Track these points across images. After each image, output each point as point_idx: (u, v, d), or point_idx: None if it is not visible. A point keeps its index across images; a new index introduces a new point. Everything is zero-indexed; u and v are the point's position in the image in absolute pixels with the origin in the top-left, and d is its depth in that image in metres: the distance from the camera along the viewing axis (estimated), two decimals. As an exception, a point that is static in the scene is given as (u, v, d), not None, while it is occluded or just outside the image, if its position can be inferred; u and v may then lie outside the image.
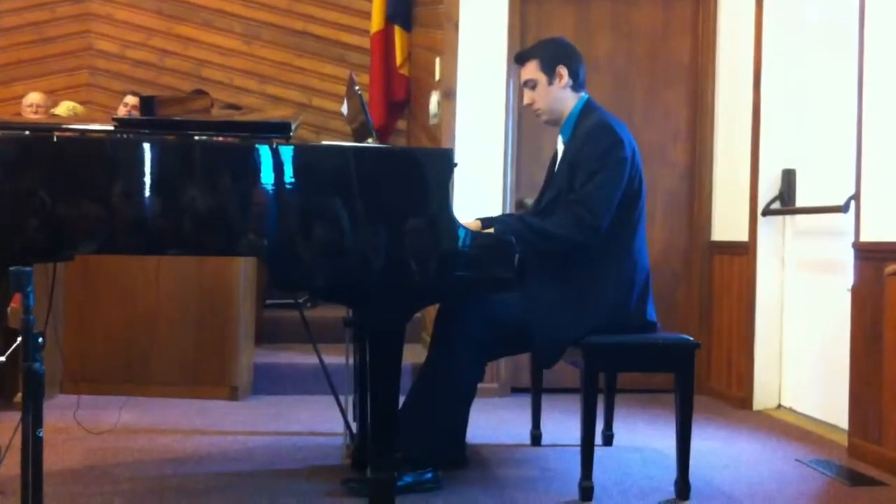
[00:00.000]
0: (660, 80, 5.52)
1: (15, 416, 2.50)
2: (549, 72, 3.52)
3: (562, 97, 3.54)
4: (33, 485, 2.17)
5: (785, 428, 4.55)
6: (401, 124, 7.23)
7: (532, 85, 3.56)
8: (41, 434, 2.17)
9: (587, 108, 3.54)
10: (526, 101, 3.62)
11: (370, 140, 3.28)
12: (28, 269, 2.17)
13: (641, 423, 4.56)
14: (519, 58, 3.65)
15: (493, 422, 4.51)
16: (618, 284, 3.40)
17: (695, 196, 5.51)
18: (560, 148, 3.60)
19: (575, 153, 3.44)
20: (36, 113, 6.31)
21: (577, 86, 3.55)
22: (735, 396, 5.09)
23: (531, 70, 3.55)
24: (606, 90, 5.35)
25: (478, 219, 3.44)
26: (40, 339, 2.17)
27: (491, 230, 3.27)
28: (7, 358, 2.31)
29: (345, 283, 2.91)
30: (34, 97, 6.46)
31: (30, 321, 2.17)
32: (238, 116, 4.42)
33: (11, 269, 2.16)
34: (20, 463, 2.17)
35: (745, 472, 3.70)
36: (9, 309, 3.33)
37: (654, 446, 4.06)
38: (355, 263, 2.86)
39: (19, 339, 2.17)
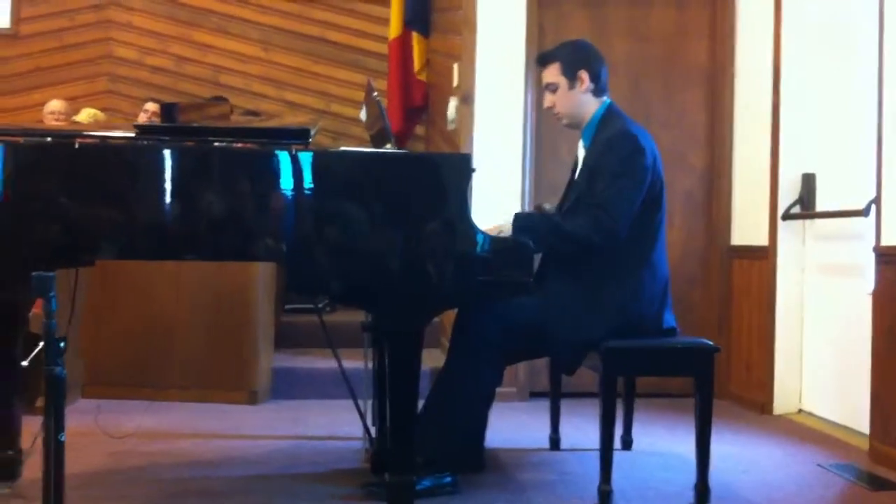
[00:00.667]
0: (677, 83, 5.51)
1: (37, 421, 2.52)
2: (571, 76, 3.51)
3: (583, 101, 3.53)
4: (55, 488, 2.18)
5: (805, 432, 4.53)
6: (419, 130, 7.24)
7: (553, 88, 3.55)
8: (63, 438, 2.19)
9: (609, 114, 3.52)
10: (546, 104, 3.61)
11: (388, 146, 3.29)
12: (50, 274, 2.18)
13: (660, 427, 4.55)
14: (540, 59, 3.64)
15: (512, 426, 4.51)
16: (636, 290, 3.39)
17: (713, 199, 5.49)
18: (581, 153, 3.60)
19: (596, 159, 3.43)
20: (57, 120, 6.36)
21: (598, 90, 3.54)
22: (755, 401, 5.07)
23: (552, 73, 3.54)
24: (623, 93, 5.32)
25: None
26: (62, 344, 2.19)
27: (509, 222, 3.27)
28: (29, 363, 2.33)
29: (364, 287, 2.92)
30: (55, 105, 6.51)
31: (52, 326, 2.19)
32: (257, 123, 4.44)
33: (34, 274, 2.18)
34: (42, 467, 2.19)
35: (765, 477, 3.68)
36: (31, 314, 3.37)
37: (674, 451, 4.05)
38: (374, 268, 2.87)
39: (41, 343, 2.19)
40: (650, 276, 3.42)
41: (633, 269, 3.40)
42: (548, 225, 3.34)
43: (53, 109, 6.46)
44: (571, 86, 3.52)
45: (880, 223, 3.96)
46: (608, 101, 3.57)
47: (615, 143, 3.40)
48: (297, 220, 2.88)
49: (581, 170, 3.54)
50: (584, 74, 3.51)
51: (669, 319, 3.49)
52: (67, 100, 6.91)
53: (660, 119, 5.44)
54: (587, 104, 3.54)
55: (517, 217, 3.37)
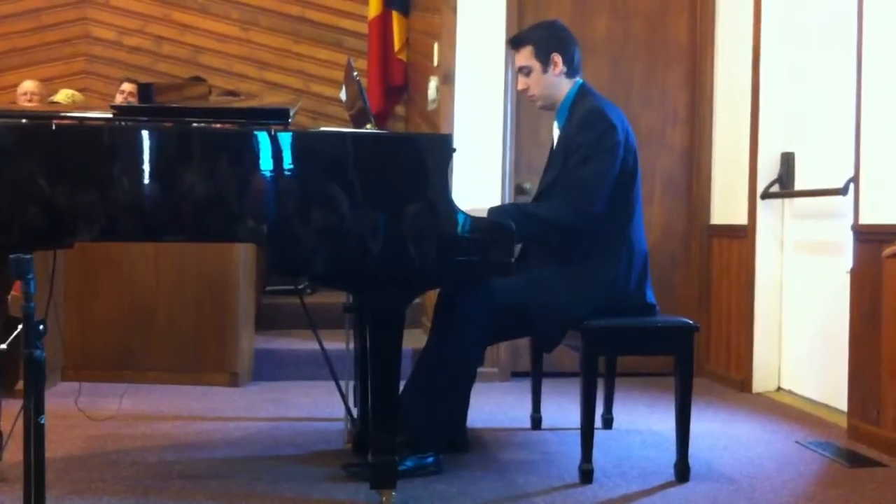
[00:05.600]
0: (658, 61, 5.51)
1: (16, 404, 2.51)
2: (544, 59, 3.51)
3: (556, 84, 3.54)
4: (36, 471, 2.17)
5: (784, 410, 4.57)
6: (399, 110, 7.22)
7: (527, 71, 3.55)
8: (43, 421, 2.18)
9: (581, 94, 3.54)
10: (520, 86, 3.62)
11: (369, 126, 3.27)
12: (28, 256, 2.16)
13: (641, 406, 4.58)
14: (513, 42, 3.64)
15: (494, 406, 4.52)
16: (616, 266, 3.41)
17: (693, 178, 5.51)
18: (556, 134, 3.61)
19: (569, 138, 3.45)
20: (31, 101, 6.29)
21: (571, 72, 3.55)
22: (734, 379, 5.11)
23: (526, 56, 3.54)
24: (604, 72, 5.35)
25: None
26: (41, 327, 2.17)
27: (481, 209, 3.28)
28: (8, 346, 2.32)
29: (344, 268, 2.91)
30: (29, 85, 6.44)
31: (31, 308, 2.17)
32: (236, 103, 4.41)
33: (12, 256, 2.16)
34: (23, 450, 2.18)
35: (744, 454, 3.71)
36: (9, 297, 3.34)
37: (654, 429, 4.08)
38: (355, 249, 2.87)
39: (20, 326, 2.17)
40: (629, 251, 3.44)
41: (612, 245, 3.42)
42: (523, 214, 3.34)
43: (27, 90, 6.39)
44: (545, 69, 3.52)
45: (858, 202, 3.98)
46: (580, 81, 3.58)
47: (587, 121, 3.41)
48: (277, 201, 2.86)
49: (556, 150, 3.56)
50: (557, 57, 3.51)
51: (650, 295, 3.51)
52: (45, 81, 6.84)
53: (641, 98, 5.45)
54: (561, 86, 3.55)
55: (491, 212, 3.36)
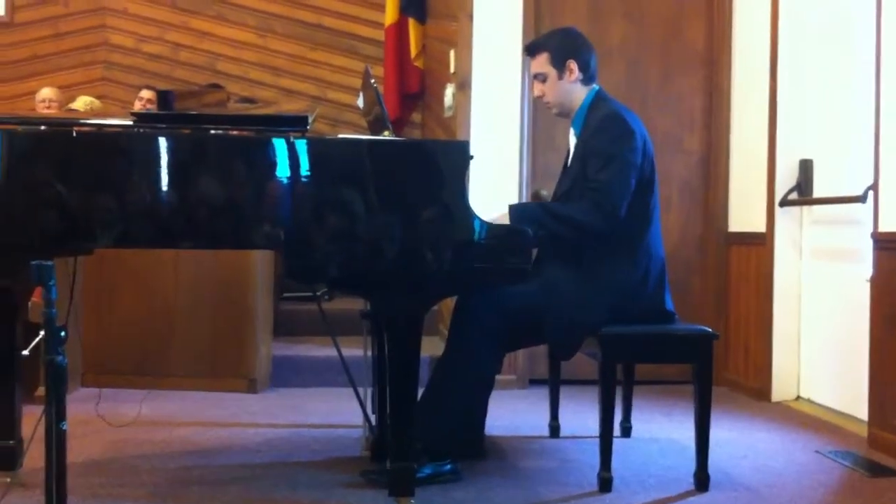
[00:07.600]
0: (674, 67, 5.50)
1: (37, 410, 2.52)
2: (560, 66, 3.51)
3: (572, 90, 3.54)
4: (57, 477, 2.18)
5: (804, 419, 4.54)
6: (416, 116, 7.24)
7: (542, 78, 3.55)
8: (65, 427, 2.19)
9: (597, 100, 3.53)
10: (536, 93, 3.62)
11: (386, 133, 3.28)
12: (50, 262, 2.18)
13: (659, 414, 4.56)
14: (529, 49, 3.64)
15: (512, 413, 4.51)
16: (633, 272, 3.40)
17: (710, 186, 5.49)
18: (572, 140, 3.60)
19: (586, 143, 3.45)
20: (49, 108, 6.33)
21: (587, 78, 3.54)
22: (753, 387, 5.08)
23: (541, 63, 3.54)
24: (620, 78, 5.34)
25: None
26: (62, 333, 2.18)
27: (505, 213, 3.28)
28: (29, 352, 2.33)
29: (362, 274, 2.91)
30: (47, 92, 6.48)
31: (52, 315, 2.18)
32: (254, 110, 4.43)
33: (33, 263, 2.17)
34: (44, 455, 2.19)
35: (764, 463, 3.69)
36: (30, 303, 3.36)
37: (673, 437, 4.06)
38: (372, 255, 2.87)
39: (41, 332, 2.18)
40: (646, 258, 3.43)
41: (629, 252, 3.41)
42: (546, 212, 3.35)
43: (45, 97, 6.43)
44: (560, 75, 3.52)
45: (878, 209, 3.96)
46: (597, 87, 3.58)
47: (605, 126, 3.41)
48: (294, 208, 2.87)
49: (573, 155, 3.55)
50: (573, 64, 3.51)
51: (669, 303, 3.49)
52: (63, 88, 6.89)
53: (656, 104, 5.44)
54: (576, 93, 3.54)
55: (512, 208, 3.36)
